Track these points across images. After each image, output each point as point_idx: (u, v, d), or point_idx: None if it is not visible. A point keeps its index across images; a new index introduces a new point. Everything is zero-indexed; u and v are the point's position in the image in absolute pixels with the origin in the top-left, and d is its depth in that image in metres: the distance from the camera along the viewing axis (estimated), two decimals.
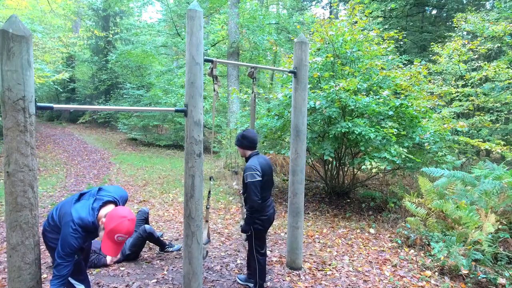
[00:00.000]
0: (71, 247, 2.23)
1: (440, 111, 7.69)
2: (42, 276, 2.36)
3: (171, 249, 4.20)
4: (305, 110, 3.76)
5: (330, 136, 5.45)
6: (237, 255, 4.22)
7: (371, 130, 5.01)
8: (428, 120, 6.16)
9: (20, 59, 1.94)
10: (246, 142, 3.11)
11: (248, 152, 3.14)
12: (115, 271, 3.63)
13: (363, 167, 5.72)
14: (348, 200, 6.74)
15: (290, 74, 4.98)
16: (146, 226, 3.96)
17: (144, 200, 6.65)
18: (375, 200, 6.41)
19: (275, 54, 16.59)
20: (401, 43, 11.97)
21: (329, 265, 3.97)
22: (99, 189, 2.55)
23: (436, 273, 3.75)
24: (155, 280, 3.46)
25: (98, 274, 3.55)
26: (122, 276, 3.53)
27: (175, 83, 13.72)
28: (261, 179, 2.94)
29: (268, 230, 5.11)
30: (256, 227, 3.10)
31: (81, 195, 2.51)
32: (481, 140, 7.38)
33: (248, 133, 3.12)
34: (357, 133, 5.04)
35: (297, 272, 3.73)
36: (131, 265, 3.79)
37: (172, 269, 3.73)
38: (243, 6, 12.29)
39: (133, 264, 3.81)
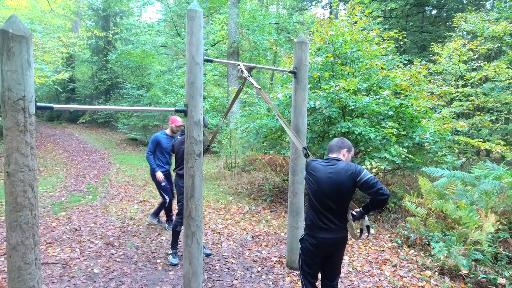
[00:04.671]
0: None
1: (440, 111, 7.68)
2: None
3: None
4: (305, 110, 3.76)
5: (330, 136, 5.45)
6: (237, 255, 4.22)
7: (371, 130, 5.01)
8: (428, 120, 6.15)
9: (20, 59, 1.94)
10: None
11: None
12: (113, 272, 3.64)
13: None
14: None
15: (290, 74, 4.98)
16: None
17: (144, 200, 6.65)
18: None
19: (275, 54, 16.58)
20: (401, 43, 11.97)
21: None
22: None
23: (436, 273, 3.75)
24: (157, 280, 3.46)
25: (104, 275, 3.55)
26: (120, 276, 3.53)
27: (175, 83, 13.71)
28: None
29: (268, 231, 5.13)
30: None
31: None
32: (481, 140, 7.37)
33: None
34: (357, 133, 5.04)
35: (297, 272, 3.73)
36: (131, 266, 3.79)
37: (172, 269, 3.73)
38: (243, 6, 12.29)
39: (133, 265, 3.81)
